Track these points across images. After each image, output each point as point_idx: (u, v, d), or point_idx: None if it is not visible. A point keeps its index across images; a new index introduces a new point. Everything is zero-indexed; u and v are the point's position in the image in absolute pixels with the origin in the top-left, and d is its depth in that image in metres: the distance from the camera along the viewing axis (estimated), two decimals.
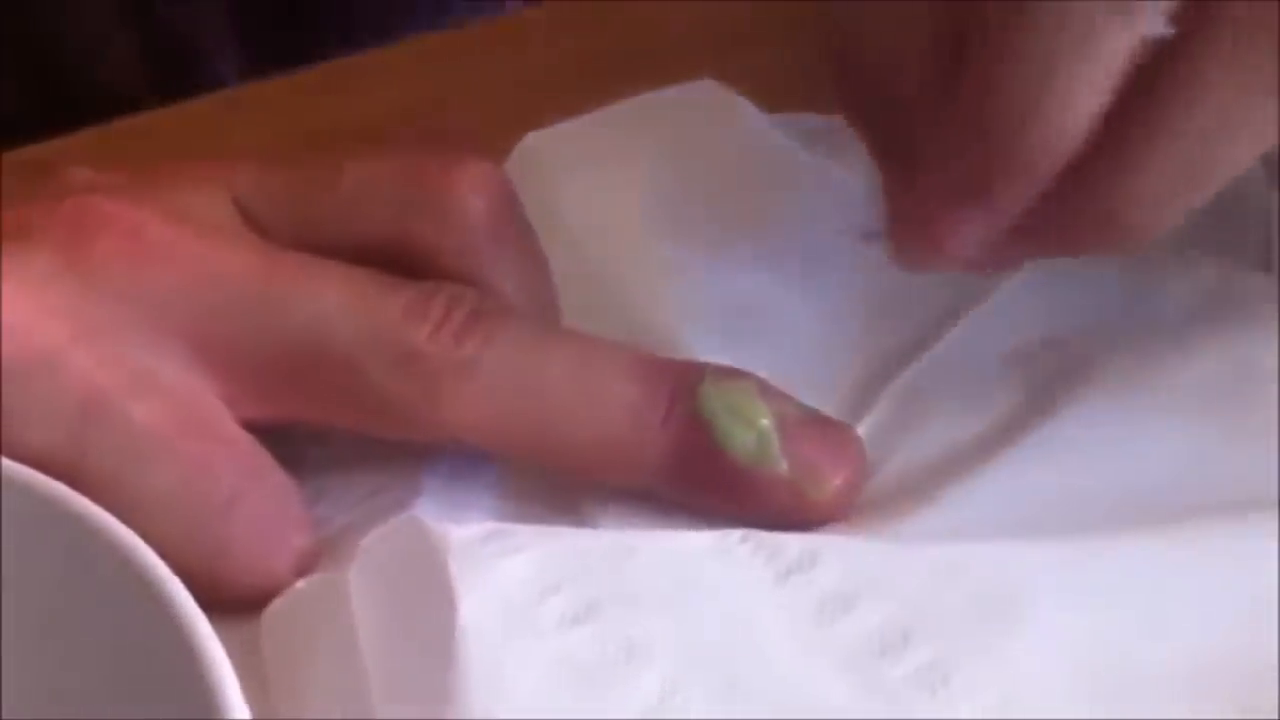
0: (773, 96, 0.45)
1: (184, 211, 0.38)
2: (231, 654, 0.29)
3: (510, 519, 0.37)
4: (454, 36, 0.53)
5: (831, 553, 0.33)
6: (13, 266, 0.36)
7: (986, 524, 0.35)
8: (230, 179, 0.39)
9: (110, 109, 0.49)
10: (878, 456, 0.38)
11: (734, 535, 0.34)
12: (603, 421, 0.36)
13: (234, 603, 0.35)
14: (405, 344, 0.36)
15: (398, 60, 0.52)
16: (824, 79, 0.37)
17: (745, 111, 0.45)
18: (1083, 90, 0.33)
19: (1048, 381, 0.39)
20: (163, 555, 0.31)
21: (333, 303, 0.36)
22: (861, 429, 0.38)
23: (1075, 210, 0.34)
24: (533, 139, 0.45)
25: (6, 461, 0.32)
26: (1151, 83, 0.33)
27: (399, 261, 0.38)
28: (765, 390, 0.37)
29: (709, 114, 0.45)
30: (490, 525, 0.34)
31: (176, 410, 0.36)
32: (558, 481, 0.37)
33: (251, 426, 0.37)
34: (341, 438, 0.38)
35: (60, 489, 0.32)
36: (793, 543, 0.34)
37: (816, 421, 0.37)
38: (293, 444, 0.38)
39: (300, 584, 0.35)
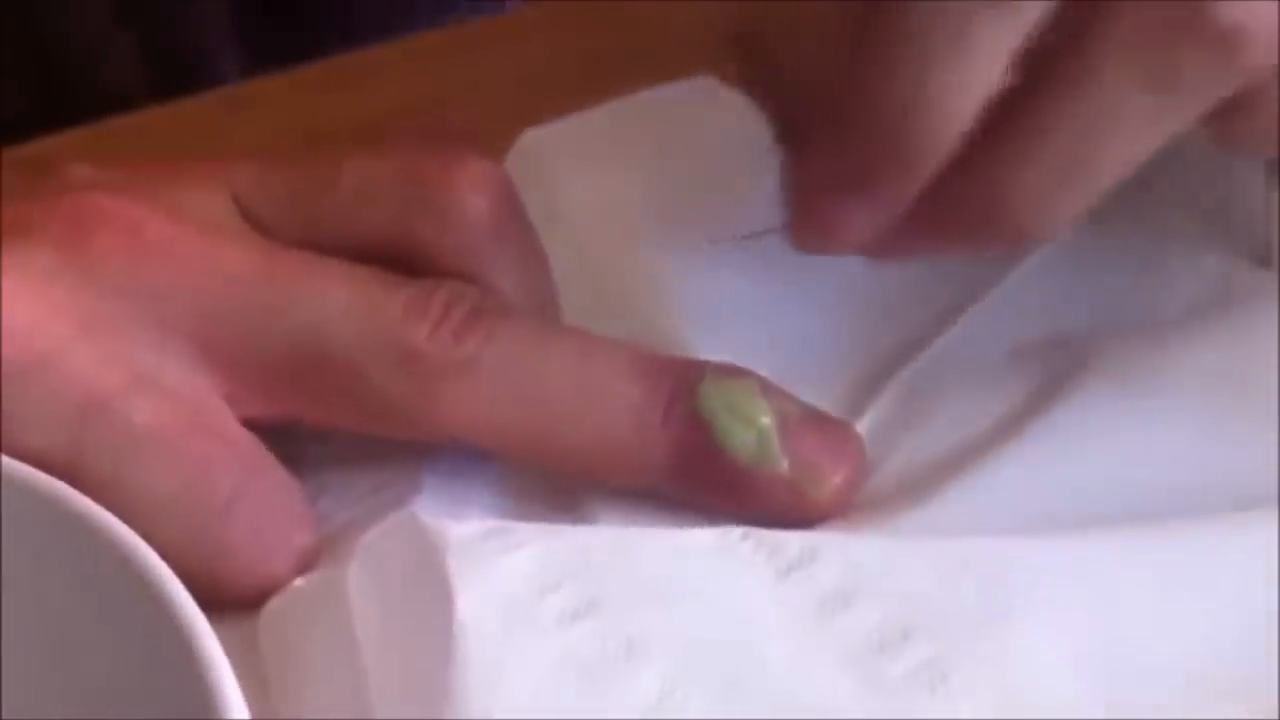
0: None
1: (184, 209, 0.38)
2: (230, 653, 0.29)
3: (510, 516, 0.37)
4: (454, 34, 0.53)
5: (832, 550, 0.33)
6: (13, 263, 0.36)
7: (986, 521, 0.35)
8: (230, 177, 0.39)
9: (110, 108, 0.49)
10: (878, 454, 0.38)
11: (734, 532, 0.34)
12: (603, 422, 0.36)
13: (235, 603, 0.35)
14: (405, 344, 0.36)
15: (398, 58, 0.51)
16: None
17: (745, 110, 0.45)
18: (957, 88, 0.33)
19: (1048, 379, 0.39)
20: (163, 556, 0.31)
21: (333, 302, 0.36)
22: (861, 427, 0.38)
23: (965, 201, 0.34)
24: (531, 136, 0.45)
25: (6, 461, 0.32)
26: (1040, 77, 0.33)
27: (399, 259, 0.38)
28: (765, 388, 0.37)
29: (708, 112, 0.45)
30: (490, 522, 0.34)
31: (177, 410, 0.36)
32: (558, 479, 0.37)
33: (252, 425, 0.37)
34: (342, 434, 0.38)
35: (60, 489, 0.32)
36: (793, 540, 0.34)
37: (817, 420, 0.37)
38: (293, 441, 0.38)
39: (299, 582, 0.35)
